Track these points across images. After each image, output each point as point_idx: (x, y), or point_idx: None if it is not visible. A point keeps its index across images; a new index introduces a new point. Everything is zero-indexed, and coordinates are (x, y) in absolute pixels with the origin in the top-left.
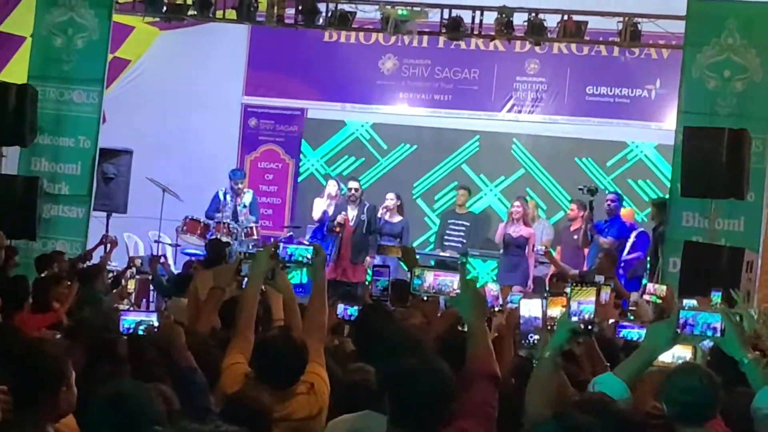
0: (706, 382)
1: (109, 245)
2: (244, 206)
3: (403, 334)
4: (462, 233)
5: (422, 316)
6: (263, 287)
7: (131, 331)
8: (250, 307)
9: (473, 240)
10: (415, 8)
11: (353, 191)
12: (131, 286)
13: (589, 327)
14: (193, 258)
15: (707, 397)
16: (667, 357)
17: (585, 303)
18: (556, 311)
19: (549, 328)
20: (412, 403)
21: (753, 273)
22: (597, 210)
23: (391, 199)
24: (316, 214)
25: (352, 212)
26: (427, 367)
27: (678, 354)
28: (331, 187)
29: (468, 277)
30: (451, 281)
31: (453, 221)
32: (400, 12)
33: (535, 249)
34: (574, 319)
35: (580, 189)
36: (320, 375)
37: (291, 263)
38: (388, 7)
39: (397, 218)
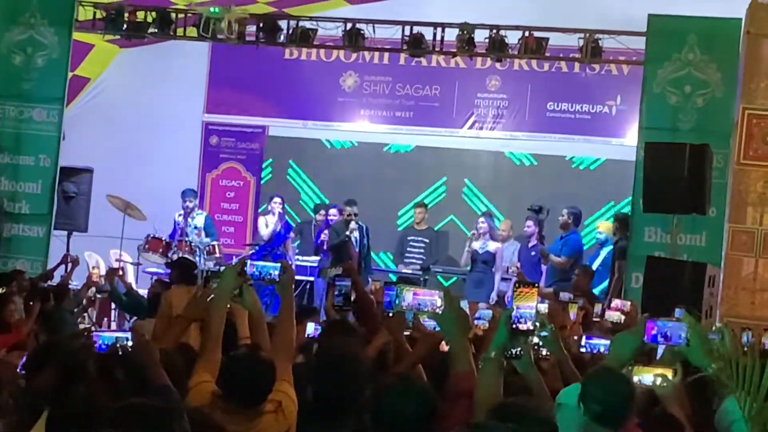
0: (623, 386)
1: (70, 264)
2: (196, 228)
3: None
4: (422, 250)
5: (387, 333)
6: (228, 305)
7: (106, 349)
8: (217, 325)
9: (433, 256)
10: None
11: (354, 216)
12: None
13: (531, 329)
14: (160, 277)
15: (623, 401)
16: (648, 380)
17: (524, 307)
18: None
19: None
20: (394, 422)
21: (715, 288)
22: (547, 228)
23: (334, 215)
24: (265, 232)
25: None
26: (410, 386)
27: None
28: (276, 204)
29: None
30: (431, 300)
31: (413, 238)
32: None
33: (508, 270)
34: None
35: (528, 209)
36: (288, 393)
37: (258, 280)
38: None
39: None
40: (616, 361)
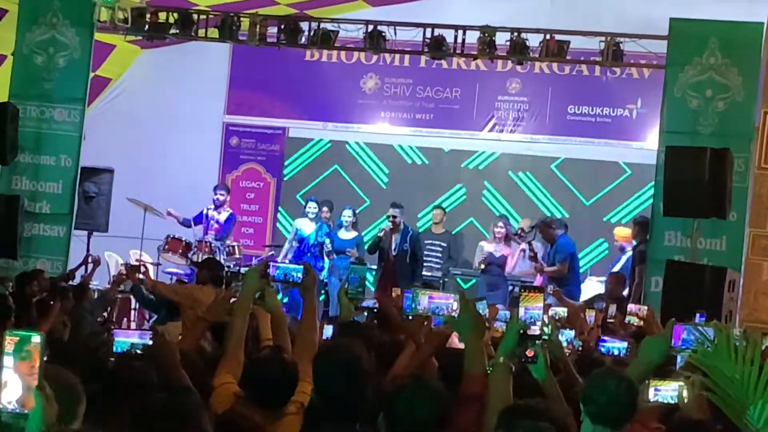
0: (623, 386)
1: (91, 264)
2: (218, 222)
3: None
4: (439, 253)
5: (406, 336)
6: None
7: (124, 352)
8: (239, 327)
9: (452, 260)
10: None
11: (394, 219)
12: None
13: (538, 333)
14: (180, 277)
15: (623, 401)
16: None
17: (532, 309)
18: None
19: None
20: (407, 423)
21: (735, 293)
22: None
23: (348, 216)
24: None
25: (394, 240)
26: (424, 387)
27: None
28: (311, 208)
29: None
30: (446, 303)
31: (430, 242)
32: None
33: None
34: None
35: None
36: (310, 394)
37: (281, 282)
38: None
39: (353, 234)
40: (644, 366)
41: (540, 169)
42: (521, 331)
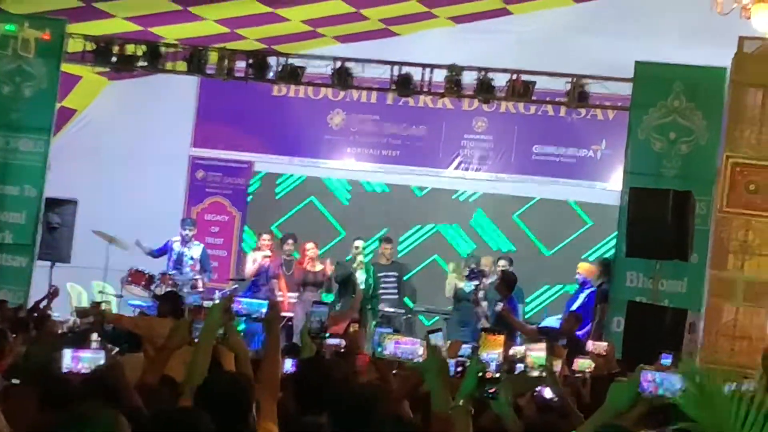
0: None
1: (51, 294)
2: (192, 258)
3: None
4: (394, 284)
5: (376, 371)
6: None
7: (79, 371)
8: (201, 362)
9: (404, 290)
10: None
11: (359, 250)
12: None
13: (497, 377)
14: (143, 309)
15: None
16: None
17: (491, 353)
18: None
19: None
20: None
21: (695, 334)
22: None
23: (312, 249)
24: (249, 269)
25: (361, 276)
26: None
27: None
28: (265, 240)
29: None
30: (412, 349)
31: (383, 274)
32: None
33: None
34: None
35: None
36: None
37: (245, 317)
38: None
39: (319, 267)
40: (612, 411)
41: (503, 208)
42: (481, 374)
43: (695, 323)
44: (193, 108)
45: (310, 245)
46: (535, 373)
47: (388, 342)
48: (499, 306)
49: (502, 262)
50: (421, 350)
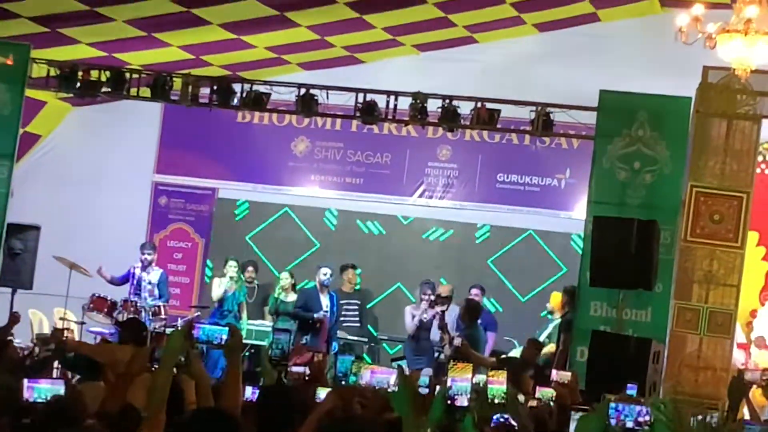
0: None
1: (11, 320)
2: (150, 283)
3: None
4: (356, 313)
5: (339, 399)
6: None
7: (41, 401)
8: (163, 388)
9: (366, 317)
10: None
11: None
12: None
13: (466, 404)
14: (104, 336)
15: None
16: None
17: (460, 380)
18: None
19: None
20: None
21: (659, 364)
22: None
23: (286, 279)
24: (216, 294)
25: (325, 301)
26: None
27: None
28: (231, 268)
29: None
30: (387, 378)
31: (345, 301)
32: None
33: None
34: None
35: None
36: None
37: (205, 344)
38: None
39: (292, 297)
40: None
41: (467, 236)
42: (448, 402)
43: (659, 353)
44: (157, 134)
45: (284, 275)
46: (497, 401)
47: (365, 371)
48: (458, 341)
49: (474, 291)
50: (393, 379)
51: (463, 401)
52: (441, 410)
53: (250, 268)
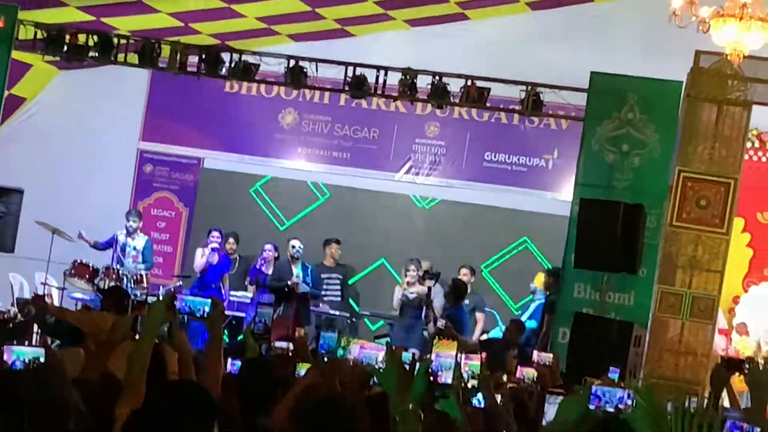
0: None
1: None
2: (135, 249)
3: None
4: (338, 286)
5: (320, 375)
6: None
7: (21, 365)
8: (143, 358)
9: (348, 291)
10: None
11: (296, 249)
12: None
13: (450, 382)
14: (86, 303)
15: None
16: None
17: (444, 356)
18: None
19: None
20: None
21: (641, 348)
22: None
23: (269, 250)
24: (198, 265)
25: (296, 272)
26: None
27: None
28: (214, 238)
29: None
30: (376, 354)
31: (327, 275)
32: None
33: (437, 321)
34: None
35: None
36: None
37: (187, 315)
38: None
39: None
40: (561, 427)
41: (453, 214)
42: (431, 378)
43: (641, 337)
44: (144, 101)
45: (268, 246)
46: (473, 383)
47: (354, 346)
48: (441, 323)
49: (463, 271)
50: (382, 355)
51: (446, 378)
52: (423, 386)
53: (231, 240)
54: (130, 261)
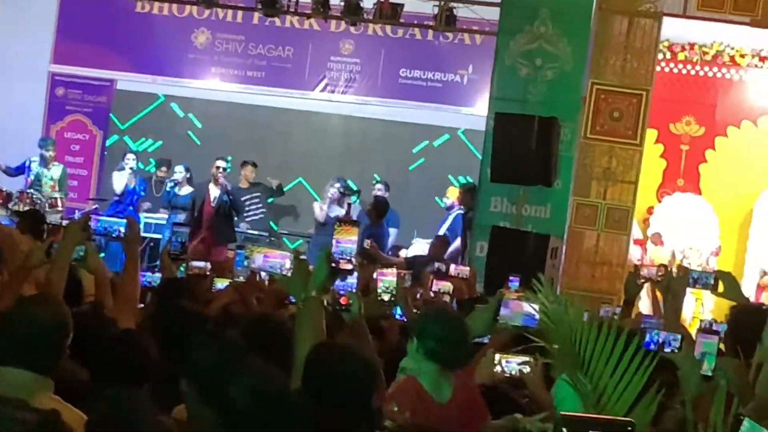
0: (458, 326)
1: None
2: (51, 178)
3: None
4: (259, 204)
5: (236, 293)
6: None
7: None
8: (57, 280)
9: (269, 208)
10: None
11: (221, 170)
12: None
13: (350, 268)
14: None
15: (458, 340)
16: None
17: (344, 242)
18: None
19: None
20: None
21: (557, 260)
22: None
23: (180, 172)
24: (119, 188)
25: (214, 192)
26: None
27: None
28: (130, 160)
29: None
30: (281, 263)
31: (248, 196)
32: None
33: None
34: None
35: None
36: None
37: (103, 236)
38: None
39: (187, 190)
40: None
41: (369, 131)
42: (333, 265)
43: (557, 249)
44: (53, 23)
45: (178, 168)
46: (387, 297)
47: (257, 255)
48: (366, 243)
49: (378, 186)
50: (288, 263)
51: (347, 265)
52: (325, 272)
53: (164, 168)
54: (48, 190)
